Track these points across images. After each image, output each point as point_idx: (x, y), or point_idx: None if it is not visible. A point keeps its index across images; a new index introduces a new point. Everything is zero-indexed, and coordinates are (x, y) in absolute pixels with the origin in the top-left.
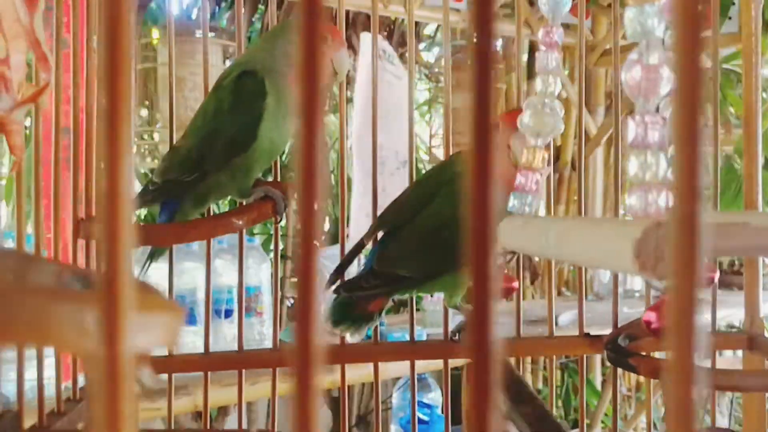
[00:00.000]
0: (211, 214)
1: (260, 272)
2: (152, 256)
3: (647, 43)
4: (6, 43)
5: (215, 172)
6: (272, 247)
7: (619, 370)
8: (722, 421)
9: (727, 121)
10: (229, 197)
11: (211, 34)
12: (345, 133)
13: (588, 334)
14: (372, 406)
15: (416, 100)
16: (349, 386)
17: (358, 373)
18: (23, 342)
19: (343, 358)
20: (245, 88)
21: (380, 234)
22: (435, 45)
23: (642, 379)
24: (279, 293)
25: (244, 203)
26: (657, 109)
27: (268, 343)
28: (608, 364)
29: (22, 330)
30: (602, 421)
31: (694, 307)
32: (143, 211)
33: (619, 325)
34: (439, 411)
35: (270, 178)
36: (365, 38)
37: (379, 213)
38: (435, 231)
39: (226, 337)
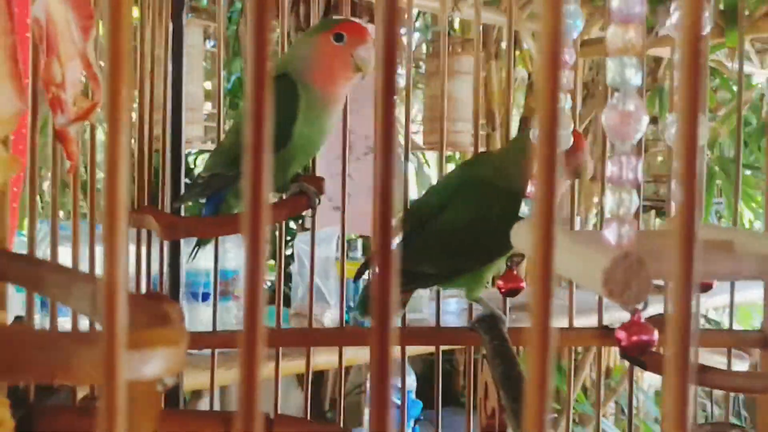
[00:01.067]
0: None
1: (240, 256)
2: (199, 245)
3: (625, 91)
4: (62, 68)
5: None
6: None
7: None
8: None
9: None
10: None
11: (190, 15)
12: None
13: (606, 327)
14: (346, 390)
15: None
16: (323, 370)
17: (332, 358)
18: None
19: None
20: (280, 90)
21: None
22: (416, 30)
23: (612, 365)
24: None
25: (283, 197)
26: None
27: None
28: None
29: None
30: (573, 408)
31: (689, 313)
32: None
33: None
34: (413, 396)
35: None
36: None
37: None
38: (458, 230)
39: (202, 320)
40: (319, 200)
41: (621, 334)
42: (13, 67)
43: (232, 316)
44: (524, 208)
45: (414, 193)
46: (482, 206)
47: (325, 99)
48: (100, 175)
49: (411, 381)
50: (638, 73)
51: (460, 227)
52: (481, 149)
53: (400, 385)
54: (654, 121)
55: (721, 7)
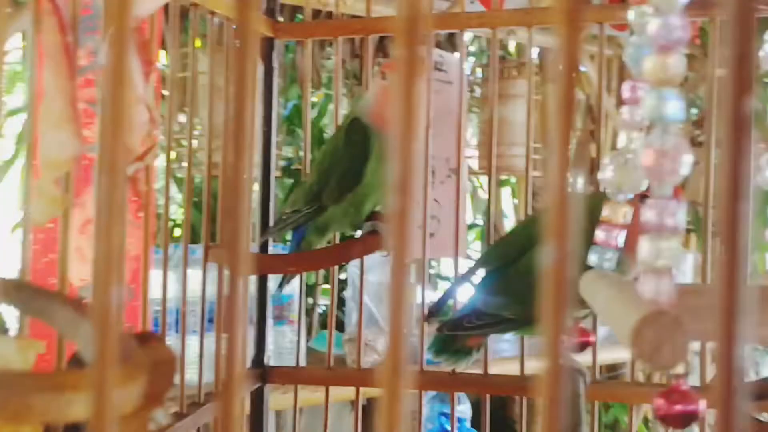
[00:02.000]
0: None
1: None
2: (283, 280)
3: (664, 127)
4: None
5: (332, 205)
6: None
7: None
8: None
9: None
10: (346, 229)
11: None
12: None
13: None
14: None
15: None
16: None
17: None
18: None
19: (422, 386)
20: (354, 131)
21: (480, 272)
22: (471, 55)
23: None
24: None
25: (357, 235)
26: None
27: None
28: None
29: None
30: None
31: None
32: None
33: None
34: (467, 424)
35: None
36: None
37: (427, 223)
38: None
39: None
40: None
41: (659, 402)
42: (72, 111)
43: (287, 340)
44: (592, 257)
45: (469, 217)
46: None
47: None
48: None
49: (465, 408)
50: (681, 107)
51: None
52: (537, 173)
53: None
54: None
55: None
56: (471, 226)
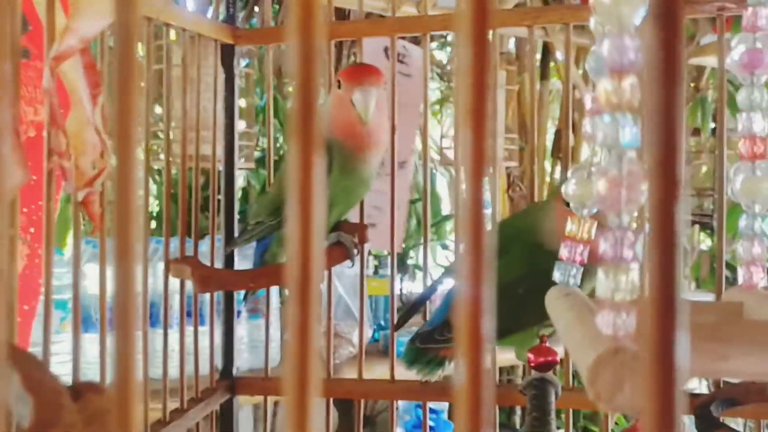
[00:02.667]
0: None
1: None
2: (247, 293)
3: (618, 154)
4: (67, 138)
5: None
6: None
7: None
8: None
9: None
10: None
11: None
12: None
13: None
14: (378, 408)
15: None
16: None
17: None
18: None
19: (392, 395)
20: None
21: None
22: (447, 45)
23: None
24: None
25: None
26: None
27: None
28: None
29: None
30: None
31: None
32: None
33: None
34: (445, 416)
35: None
36: (367, 43)
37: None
38: (507, 287)
39: (241, 338)
40: (359, 250)
41: (529, 356)
42: (14, 139)
43: (262, 333)
44: (556, 273)
45: (447, 208)
46: (531, 264)
47: (354, 149)
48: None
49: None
50: (635, 132)
51: (512, 280)
52: (513, 163)
53: (430, 404)
54: (697, 132)
55: None
56: (448, 218)
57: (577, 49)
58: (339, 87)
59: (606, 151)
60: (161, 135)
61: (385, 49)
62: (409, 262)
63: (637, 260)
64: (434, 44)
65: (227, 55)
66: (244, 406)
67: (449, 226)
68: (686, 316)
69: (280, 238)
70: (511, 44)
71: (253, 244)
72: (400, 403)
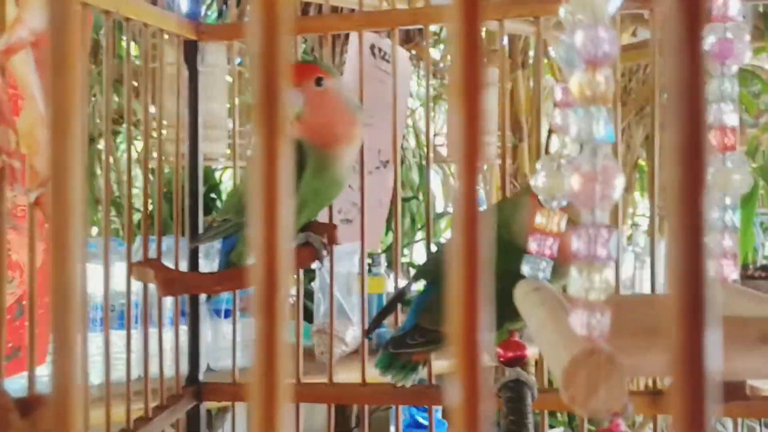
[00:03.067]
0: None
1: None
2: (208, 299)
3: (593, 148)
4: (17, 136)
5: None
6: None
7: None
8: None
9: (742, 122)
10: None
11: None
12: None
13: (659, 391)
14: (372, 407)
15: (420, 97)
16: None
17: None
18: None
19: (364, 399)
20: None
21: (420, 284)
22: (440, 42)
23: None
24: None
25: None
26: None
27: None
28: None
29: None
30: None
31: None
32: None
33: None
34: (440, 415)
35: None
36: (354, 38)
37: (345, 209)
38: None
39: (225, 336)
40: (329, 250)
41: (499, 351)
42: None
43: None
44: (525, 267)
45: (441, 206)
46: (504, 262)
47: (322, 146)
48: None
49: None
50: (608, 127)
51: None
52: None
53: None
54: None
55: (761, 9)
56: (442, 215)
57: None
58: (318, 85)
59: (578, 145)
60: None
61: (371, 47)
62: (403, 260)
63: (612, 258)
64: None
65: (190, 51)
66: (240, 406)
67: (443, 223)
68: (715, 314)
69: (246, 237)
70: (505, 41)
71: (219, 243)
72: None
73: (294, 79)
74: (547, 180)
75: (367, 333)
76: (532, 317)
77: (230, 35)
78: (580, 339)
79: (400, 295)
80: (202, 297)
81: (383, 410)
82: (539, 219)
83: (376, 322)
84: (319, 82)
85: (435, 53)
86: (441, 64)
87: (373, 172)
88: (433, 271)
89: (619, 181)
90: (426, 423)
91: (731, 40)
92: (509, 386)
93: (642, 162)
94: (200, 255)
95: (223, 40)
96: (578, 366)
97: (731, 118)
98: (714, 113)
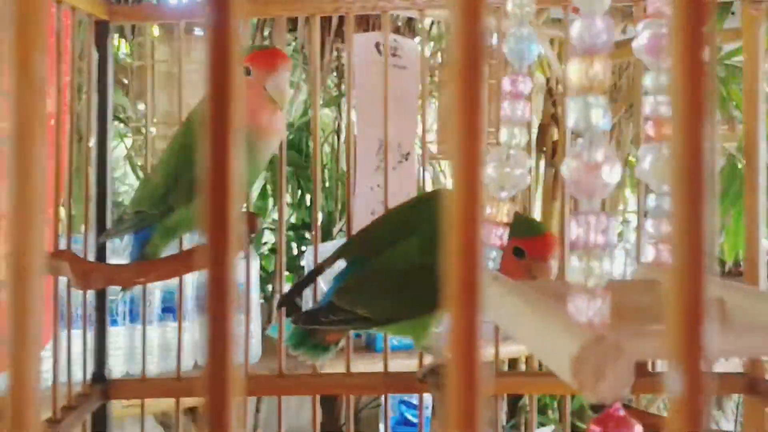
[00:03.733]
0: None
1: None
2: (123, 291)
3: (591, 137)
4: None
5: (181, 207)
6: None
7: None
8: (728, 426)
9: (732, 118)
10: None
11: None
12: (340, 127)
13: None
14: (362, 404)
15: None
16: None
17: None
18: None
19: (315, 389)
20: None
21: (343, 263)
22: (431, 39)
23: None
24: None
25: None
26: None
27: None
28: None
29: None
30: None
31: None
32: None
33: None
34: (429, 413)
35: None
36: (358, 40)
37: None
38: (403, 272)
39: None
40: (251, 240)
41: (595, 430)
42: None
43: (241, 328)
44: None
45: None
46: (430, 254)
47: (252, 136)
48: None
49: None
50: (606, 116)
51: (410, 266)
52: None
53: (414, 400)
54: None
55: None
56: None
57: (559, 43)
58: (248, 73)
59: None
60: (142, 131)
61: (377, 45)
62: None
63: (610, 245)
64: (417, 39)
65: (101, 32)
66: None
67: None
68: (713, 303)
69: (165, 229)
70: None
71: (130, 237)
72: (383, 399)
73: (272, 64)
74: (497, 170)
75: (279, 305)
76: (501, 306)
77: (144, 17)
78: (582, 326)
79: (319, 269)
80: (113, 290)
81: (372, 408)
82: (488, 209)
83: (292, 294)
84: (248, 70)
85: (426, 51)
86: (431, 61)
87: (396, 167)
88: (355, 249)
89: (616, 170)
90: (416, 420)
91: (666, 35)
92: (435, 372)
93: (632, 159)
94: (107, 251)
95: (137, 21)
96: (588, 353)
97: (667, 109)
98: (651, 105)
